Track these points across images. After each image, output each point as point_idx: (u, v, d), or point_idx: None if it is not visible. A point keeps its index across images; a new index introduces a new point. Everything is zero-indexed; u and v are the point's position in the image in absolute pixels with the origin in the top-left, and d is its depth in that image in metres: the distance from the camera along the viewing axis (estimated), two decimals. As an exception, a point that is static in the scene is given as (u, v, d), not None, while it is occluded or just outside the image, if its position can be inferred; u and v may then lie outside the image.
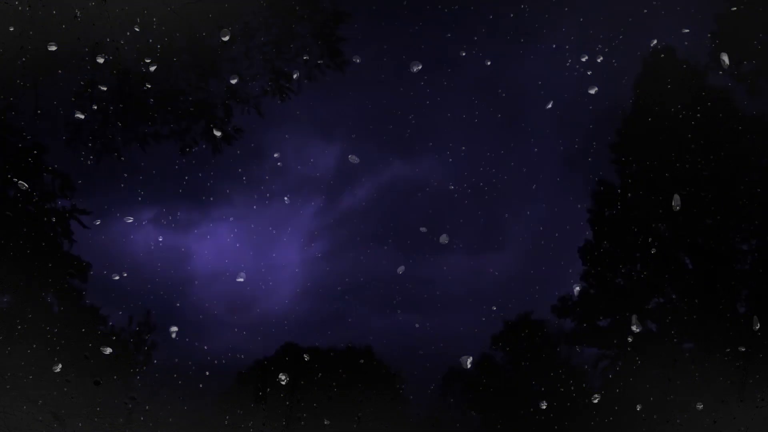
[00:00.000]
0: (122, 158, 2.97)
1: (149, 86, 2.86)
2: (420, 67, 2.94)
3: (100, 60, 2.75)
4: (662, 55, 5.60)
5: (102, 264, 2.94)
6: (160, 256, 2.97)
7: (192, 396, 2.89)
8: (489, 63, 3.03)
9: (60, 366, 2.80)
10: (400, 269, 3.04)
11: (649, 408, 4.00)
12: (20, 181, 2.76)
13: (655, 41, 3.28)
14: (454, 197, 3.08)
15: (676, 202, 4.06)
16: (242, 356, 3.05)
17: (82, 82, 2.79)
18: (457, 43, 2.98)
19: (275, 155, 3.01)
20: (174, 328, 2.90)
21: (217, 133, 3.00)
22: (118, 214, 2.95)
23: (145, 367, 3.04)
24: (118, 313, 2.94)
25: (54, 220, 2.86)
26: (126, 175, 2.97)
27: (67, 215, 2.89)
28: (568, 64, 3.15)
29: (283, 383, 2.94)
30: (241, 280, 3.02)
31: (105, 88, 2.82)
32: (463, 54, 2.98)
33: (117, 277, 2.89)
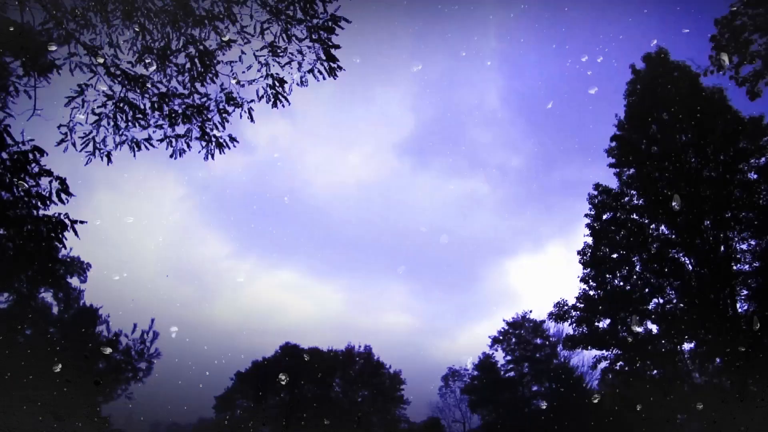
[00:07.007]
0: (121, 158, 2.97)
1: (148, 86, 2.86)
2: (420, 67, 2.94)
3: (100, 60, 2.74)
4: (662, 55, 5.57)
5: (102, 264, 2.94)
6: (160, 256, 2.97)
7: (192, 396, 2.88)
8: (489, 63, 3.03)
9: (60, 366, 2.80)
10: (401, 269, 3.04)
11: (649, 408, 3.98)
12: (20, 181, 2.75)
13: (655, 41, 3.28)
14: (454, 198, 3.08)
15: (676, 201, 4.03)
16: (242, 356, 3.06)
17: (82, 82, 2.78)
18: (457, 43, 2.99)
19: (275, 155, 3.01)
20: (174, 328, 2.90)
21: (217, 133, 3.00)
22: (118, 214, 2.95)
23: (145, 368, 3.02)
24: (118, 313, 2.94)
25: (53, 220, 2.86)
26: (126, 174, 2.97)
27: (67, 216, 2.88)
28: (568, 64, 3.16)
29: (283, 383, 2.93)
30: (241, 280, 3.02)
31: (105, 88, 2.81)
32: (464, 54, 2.98)
33: (117, 277, 2.90)
